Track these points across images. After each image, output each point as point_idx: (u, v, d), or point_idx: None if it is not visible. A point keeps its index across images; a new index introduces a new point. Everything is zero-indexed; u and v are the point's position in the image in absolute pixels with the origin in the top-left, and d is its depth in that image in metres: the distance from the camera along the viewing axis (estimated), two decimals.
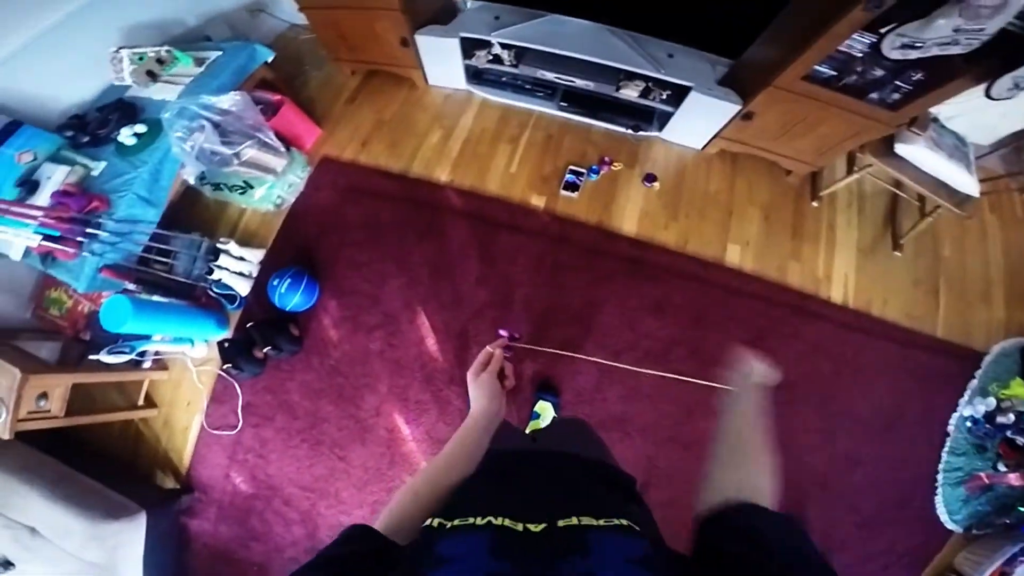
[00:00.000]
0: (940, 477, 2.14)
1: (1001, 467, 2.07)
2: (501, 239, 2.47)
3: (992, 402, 2.14)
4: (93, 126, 2.17)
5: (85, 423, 2.03)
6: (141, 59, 2.28)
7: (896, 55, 1.65)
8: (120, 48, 2.28)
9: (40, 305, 2.31)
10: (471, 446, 0.78)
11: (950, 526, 2.09)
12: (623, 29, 2.41)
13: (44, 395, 1.80)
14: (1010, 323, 2.43)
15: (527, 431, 2.00)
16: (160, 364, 2.34)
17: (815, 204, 2.64)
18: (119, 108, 2.22)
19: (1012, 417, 2.08)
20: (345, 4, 2.40)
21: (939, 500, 2.12)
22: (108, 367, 2.06)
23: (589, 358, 2.11)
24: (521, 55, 2.60)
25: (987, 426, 2.13)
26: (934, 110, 2.17)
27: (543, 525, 0.49)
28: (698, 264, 2.44)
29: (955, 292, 2.49)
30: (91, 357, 2.03)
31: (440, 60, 2.69)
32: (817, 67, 1.97)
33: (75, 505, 1.74)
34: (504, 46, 2.54)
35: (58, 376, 1.90)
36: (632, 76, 2.47)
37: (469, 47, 2.60)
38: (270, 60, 2.56)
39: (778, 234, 2.56)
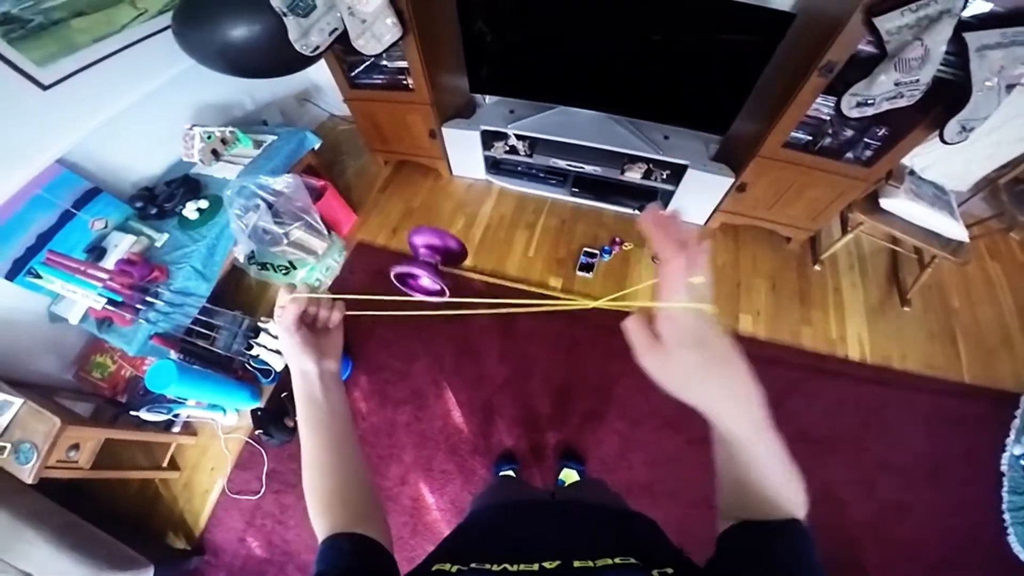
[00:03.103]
0: (1007, 517, 2.03)
1: None
2: (521, 319, 2.58)
3: None
4: (161, 199, 2.35)
5: (107, 478, 2.07)
6: (210, 138, 2.48)
7: (855, 113, 1.83)
8: (193, 126, 2.47)
9: (83, 368, 2.41)
10: (323, 416, 0.65)
11: None
12: (623, 116, 2.69)
13: (76, 446, 1.86)
14: None
15: None
16: (190, 429, 2.41)
17: (817, 268, 2.77)
18: (185, 183, 2.41)
19: None
20: (383, 97, 2.71)
21: (1013, 540, 1.99)
22: (140, 427, 2.15)
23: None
24: (535, 145, 2.89)
25: None
26: (908, 163, 2.34)
27: (558, 563, 0.49)
28: None
29: (973, 341, 2.52)
30: (131, 413, 2.13)
31: (463, 151, 3.00)
32: (794, 133, 2.18)
33: (80, 554, 1.72)
34: (519, 137, 2.82)
35: (94, 430, 1.97)
36: (634, 159, 2.73)
37: (488, 139, 2.90)
38: (317, 147, 2.81)
39: (787, 301, 2.66)
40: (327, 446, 0.64)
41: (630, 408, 2.30)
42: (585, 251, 2.81)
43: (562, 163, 2.86)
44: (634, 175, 2.76)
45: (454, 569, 0.50)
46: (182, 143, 2.50)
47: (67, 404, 2.18)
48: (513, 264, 2.83)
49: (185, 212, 2.31)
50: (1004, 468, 2.14)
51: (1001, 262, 2.85)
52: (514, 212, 3.08)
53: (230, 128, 2.58)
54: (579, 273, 2.74)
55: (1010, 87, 1.65)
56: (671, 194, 2.79)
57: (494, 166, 3.13)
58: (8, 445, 1.72)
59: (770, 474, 0.51)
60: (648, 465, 2.16)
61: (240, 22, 1.80)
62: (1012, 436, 2.19)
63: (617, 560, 0.48)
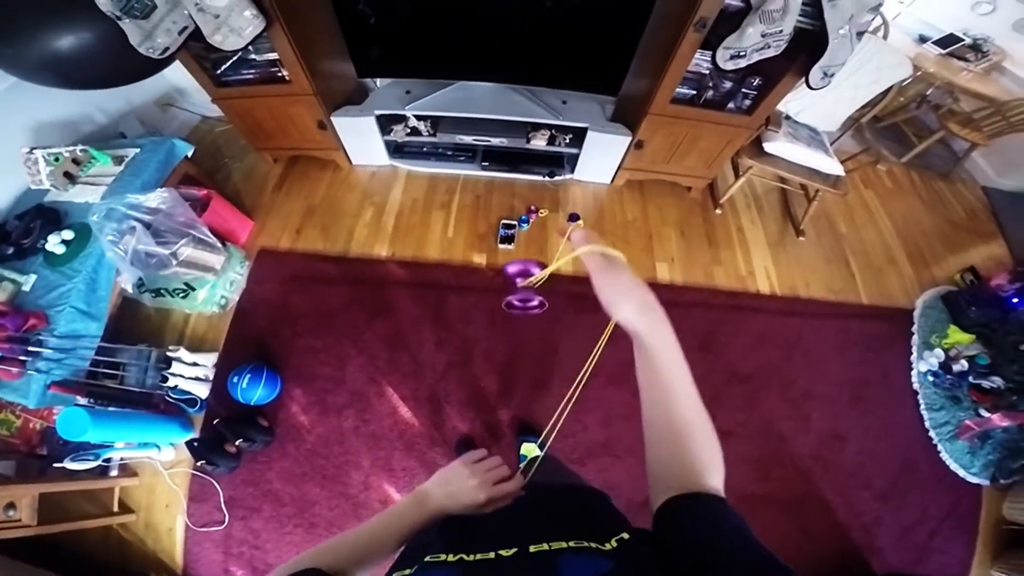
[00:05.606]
0: (933, 435, 2.22)
1: (983, 412, 2.15)
2: (451, 302, 2.55)
3: (940, 353, 2.31)
4: (16, 236, 2.07)
5: (61, 531, 1.90)
6: (57, 160, 2.22)
7: (730, 66, 1.94)
8: (33, 149, 2.21)
9: None
10: (406, 533, 0.68)
11: (973, 480, 2.14)
12: (520, 85, 2.67)
13: (11, 505, 1.71)
14: (921, 278, 2.77)
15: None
16: (128, 471, 2.22)
17: (718, 211, 2.96)
18: (41, 214, 2.14)
19: (965, 364, 2.23)
20: (258, 92, 2.48)
21: (946, 457, 2.17)
22: (74, 475, 1.97)
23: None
24: (437, 124, 2.81)
25: (948, 376, 2.25)
26: (783, 108, 2.54)
27: (514, 550, 0.50)
28: None
29: (863, 261, 2.82)
30: (56, 465, 1.94)
31: (360, 139, 2.84)
32: (680, 89, 2.29)
33: None
34: (419, 117, 2.73)
35: (22, 487, 1.79)
36: (537, 127, 2.74)
37: (386, 123, 2.78)
38: (190, 154, 2.54)
39: (696, 246, 2.82)
40: (374, 557, 0.66)
41: (573, 371, 2.34)
42: (504, 223, 2.79)
43: (468, 138, 2.82)
44: (539, 142, 2.78)
45: (407, 573, 0.50)
46: (24, 170, 2.21)
47: None
48: (433, 247, 2.75)
49: (49, 247, 2.03)
50: (916, 386, 2.37)
51: (874, 190, 3.21)
52: (426, 194, 2.99)
53: (80, 147, 2.29)
54: (501, 246, 2.72)
55: (860, 34, 1.81)
56: (576, 157, 2.84)
57: (397, 150, 3.01)
58: None
59: (691, 405, 0.63)
60: (602, 424, 2.23)
61: (64, 31, 1.56)
62: (915, 353, 2.43)
63: (571, 544, 0.50)
